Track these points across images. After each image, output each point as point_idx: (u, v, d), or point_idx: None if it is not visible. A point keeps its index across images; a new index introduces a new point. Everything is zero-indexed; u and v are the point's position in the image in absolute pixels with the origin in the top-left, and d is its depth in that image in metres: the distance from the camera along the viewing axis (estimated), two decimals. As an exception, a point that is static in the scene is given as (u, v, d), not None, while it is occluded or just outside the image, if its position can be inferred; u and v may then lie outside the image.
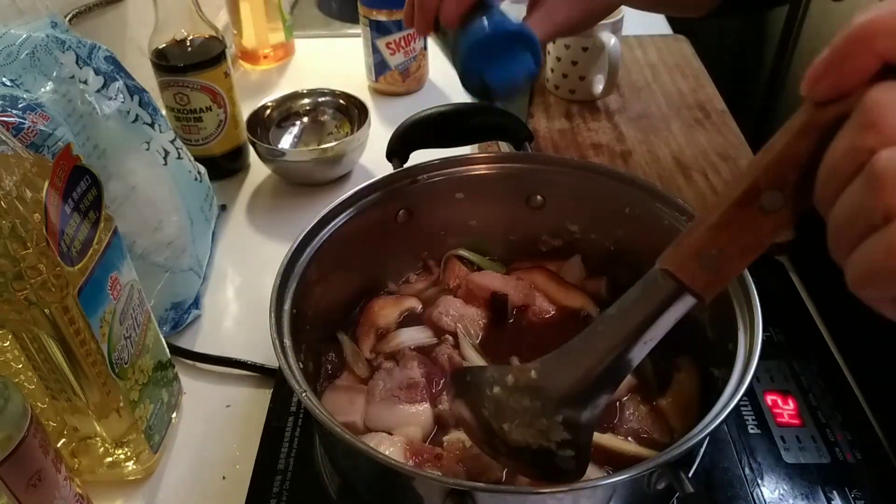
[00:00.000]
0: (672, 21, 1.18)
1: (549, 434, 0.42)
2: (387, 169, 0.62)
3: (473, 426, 0.45)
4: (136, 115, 0.64)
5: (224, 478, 0.56)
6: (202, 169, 0.75)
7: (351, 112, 0.89)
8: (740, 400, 0.42)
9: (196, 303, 0.70)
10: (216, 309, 0.72)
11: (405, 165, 0.64)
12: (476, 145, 0.81)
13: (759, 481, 0.53)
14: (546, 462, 0.43)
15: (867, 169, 0.26)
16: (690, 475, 0.42)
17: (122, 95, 0.62)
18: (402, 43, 0.98)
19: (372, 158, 0.88)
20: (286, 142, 0.89)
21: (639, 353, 0.40)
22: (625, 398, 0.55)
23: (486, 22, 0.53)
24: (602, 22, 0.88)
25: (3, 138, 0.42)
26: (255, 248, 0.79)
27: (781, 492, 0.53)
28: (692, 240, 0.35)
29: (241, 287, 0.75)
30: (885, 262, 0.25)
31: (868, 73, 0.27)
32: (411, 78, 1.02)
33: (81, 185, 0.45)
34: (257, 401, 0.62)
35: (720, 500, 0.53)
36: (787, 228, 0.32)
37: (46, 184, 0.41)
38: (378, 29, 0.97)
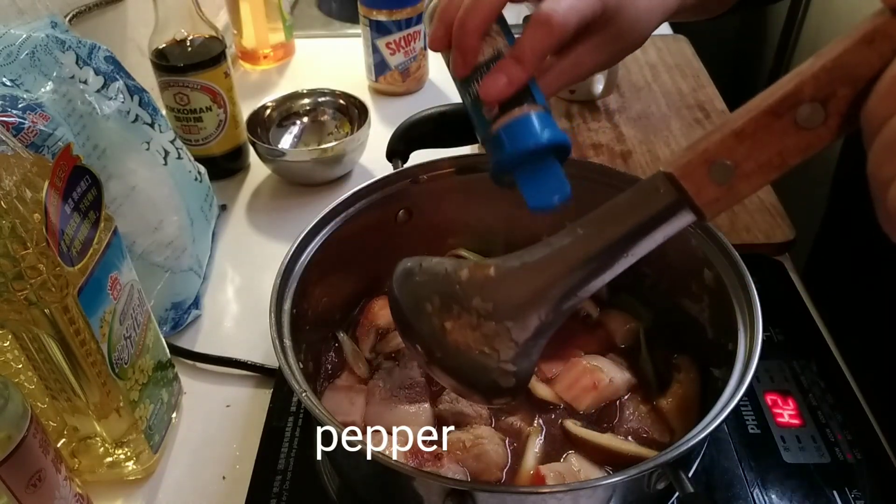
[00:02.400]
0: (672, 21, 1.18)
1: (493, 342, 0.38)
2: (387, 169, 0.62)
3: (409, 322, 0.41)
4: (136, 115, 0.64)
5: (224, 478, 0.56)
6: (202, 169, 0.75)
7: (351, 112, 0.89)
8: (740, 400, 0.42)
9: (196, 303, 0.70)
10: (216, 309, 0.72)
11: (405, 165, 0.64)
12: (476, 145, 0.81)
13: (759, 481, 0.53)
14: (481, 375, 0.39)
15: None
16: (690, 475, 0.42)
17: (122, 95, 0.62)
18: (402, 43, 0.98)
19: (372, 158, 0.88)
20: (286, 142, 0.89)
21: (617, 268, 0.35)
22: (625, 398, 0.55)
23: (528, 127, 0.46)
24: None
25: (3, 138, 0.42)
26: (255, 248, 0.79)
27: (781, 492, 0.53)
28: (707, 144, 0.30)
29: (241, 287, 0.75)
30: None
31: None
32: (411, 78, 1.02)
33: (81, 185, 0.45)
34: (257, 401, 0.62)
35: (720, 500, 0.53)
36: (816, 150, 0.29)
37: (46, 184, 0.41)
38: (378, 29, 0.97)
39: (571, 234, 0.36)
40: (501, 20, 0.51)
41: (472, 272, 0.39)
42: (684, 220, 0.32)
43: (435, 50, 0.51)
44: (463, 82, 0.50)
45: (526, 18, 0.51)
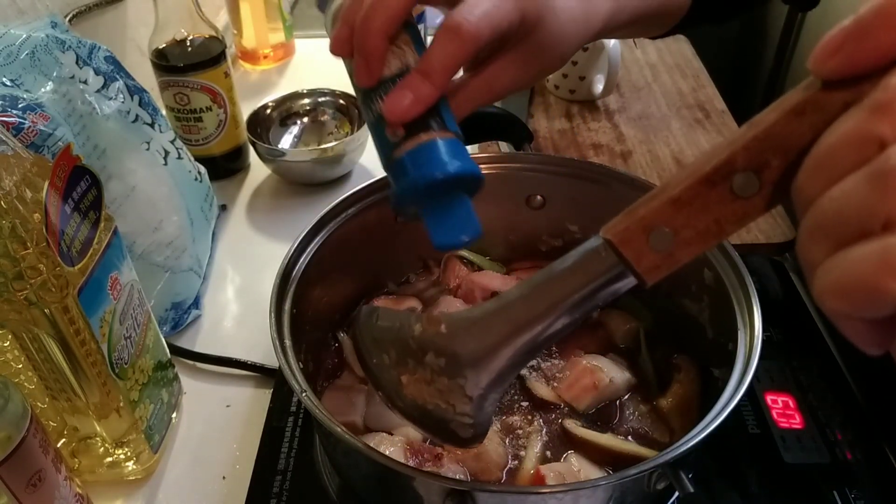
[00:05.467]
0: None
1: (448, 396, 0.38)
2: (387, 169, 0.62)
3: (370, 371, 0.41)
4: (136, 115, 0.64)
5: (224, 478, 0.56)
6: (202, 169, 0.75)
7: (351, 112, 0.89)
8: (740, 400, 0.42)
9: (196, 303, 0.70)
10: (216, 309, 0.72)
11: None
12: (476, 145, 0.81)
13: (759, 481, 0.53)
14: (440, 423, 0.39)
15: (876, 163, 0.21)
16: (690, 475, 0.42)
17: (122, 95, 0.62)
18: (402, 43, 0.98)
19: (372, 158, 0.88)
20: (286, 142, 0.89)
21: (562, 327, 0.36)
22: (625, 398, 0.55)
23: (435, 155, 0.42)
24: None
25: (3, 138, 0.42)
26: (255, 248, 0.79)
27: (781, 492, 0.53)
28: (646, 211, 0.30)
29: (241, 287, 0.75)
30: (872, 277, 0.20)
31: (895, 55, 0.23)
32: (411, 78, 1.02)
33: (81, 185, 0.45)
34: (257, 401, 0.62)
35: (720, 501, 0.53)
36: (753, 220, 0.29)
37: (46, 184, 0.41)
38: (378, 29, 0.96)
39: (518, 294, 0.37)
40: (413, 31, 0.46)
41: (425, 328, 0.39)
42: (626, 283, 0.32)
43: (336, 54, 0.46)
44: (365, 96, 0.45)
45: None
